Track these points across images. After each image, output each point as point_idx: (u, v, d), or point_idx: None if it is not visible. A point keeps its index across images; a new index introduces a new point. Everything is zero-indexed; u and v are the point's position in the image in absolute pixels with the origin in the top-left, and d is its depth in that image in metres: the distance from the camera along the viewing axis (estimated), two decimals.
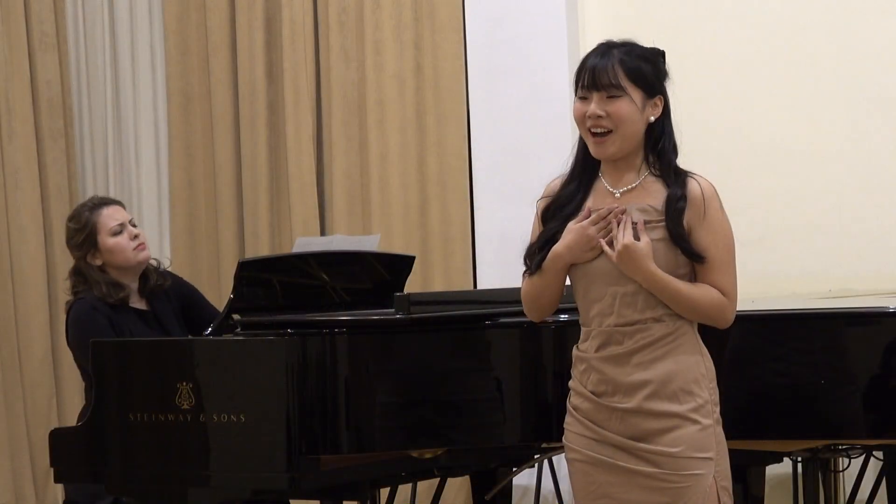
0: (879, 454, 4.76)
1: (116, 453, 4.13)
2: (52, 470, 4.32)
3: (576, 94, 3.23)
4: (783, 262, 5.63)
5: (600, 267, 3.19)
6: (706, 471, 3.14)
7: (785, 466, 4.88)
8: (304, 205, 6.35)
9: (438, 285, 6.08)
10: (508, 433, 3.93)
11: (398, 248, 5.99)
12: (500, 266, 6.03)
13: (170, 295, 4.65)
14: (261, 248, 6.44)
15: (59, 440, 4.26)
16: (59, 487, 6.23)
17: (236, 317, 4.14)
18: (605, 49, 3.22)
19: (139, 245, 4.55)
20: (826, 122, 5.66)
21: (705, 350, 3.22)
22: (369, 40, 6.25)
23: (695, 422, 3.14)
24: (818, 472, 4.64)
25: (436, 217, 6.17)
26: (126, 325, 4.50)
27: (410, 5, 6.20)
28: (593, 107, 3.17)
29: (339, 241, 5.20)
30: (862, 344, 3.71)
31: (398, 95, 6.22)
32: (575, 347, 3.29)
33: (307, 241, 5.16)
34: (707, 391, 3.18)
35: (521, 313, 3.96)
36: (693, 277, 3.20)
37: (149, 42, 6.80)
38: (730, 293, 3.20)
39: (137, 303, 4.60)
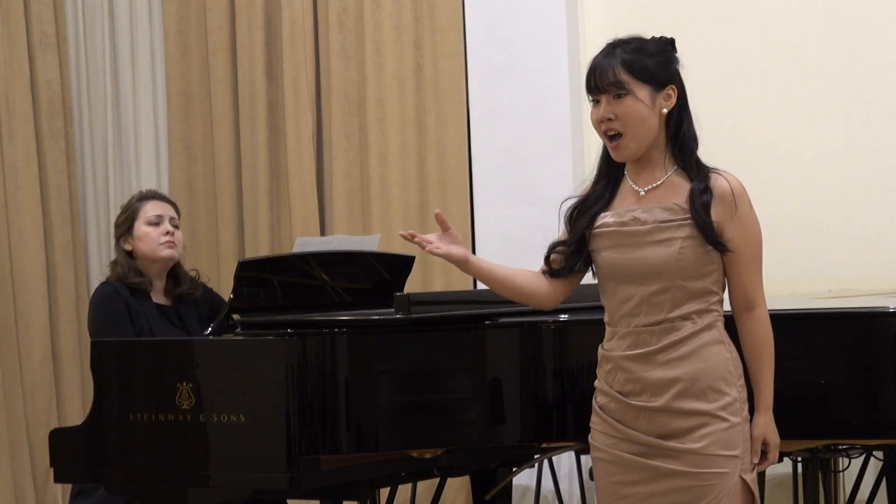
0: (879, 454, 4.77)
1: (116, 453, 4.13)
2: (52, 470, 4.32)
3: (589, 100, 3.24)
4: (783, 262, 5.63)
5: (628, 268, 3.18)
6: (731, 469, 3.13)
7: (785, 466, 4.89)
8: (304, 205, 6.35)
9: (438, 285, 6.08)
10: (508, 433, 3.93)
11: (398, 248, 5.98)
12: None
13: (199, 303, 4.73)
14: (261, 248, 6.44)
15: (59, 440, 4.26)
16: (59, 487, 6.23)
17: (236, 317, 4.14)
18: (609, 49, 3.23)
19: (167, 242, 4.66)
20: (826, 123, 5.66)
21: (733, 348, 3.20)
22: (369, 40, 6.25)
23: (723, 419, 3.13)
24: (818, 472, 4.64)
25: None
26: (144, 315, 4.56)
27: (410, 5, 6.20)
28: (602, 110, 3.19)
29: (339, 241, 5.20)
30: (872, 343, 3.69)
31: (398, 95, 6.22)
32: (600, 346, 3.28)
33: (307, 241, 5.16)
34: (736, 389, 3.16)
35: (521, 313, 3.98)
36: (722, 275, 3.19)
37: (149, 42, 6.80)
38: (756, 293, 3.20)
39: (161, 299, 4.68)
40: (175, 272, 4.72)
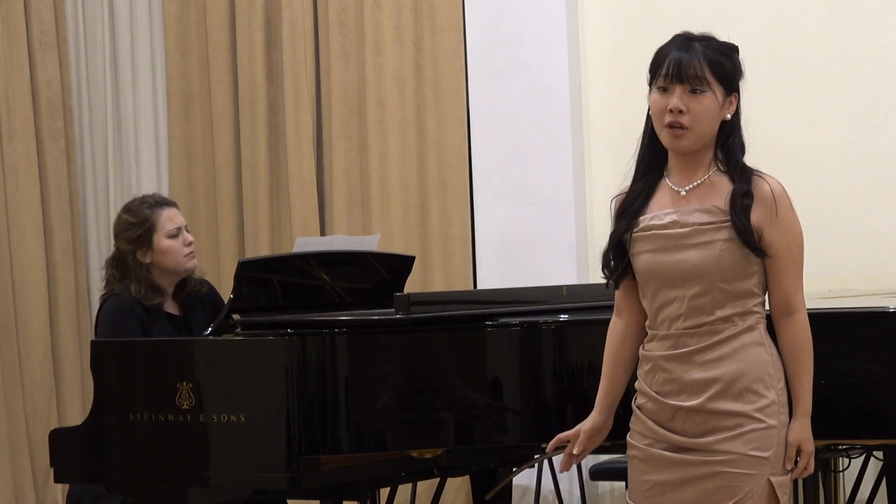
0: (879, 454, 4.76)
1: (116, 453, 4.13)
2: (52, 470, 4.32)
3: (652, 86, 3.18)
4: None
5: (668, 271, 3.16)
6: (760, 471, 3.11)
7: None
8: (304, 205, 6.35)
9: (438, 285, 6.08)
10: (508, 433, 3.93)
11: (398, 248, 5.99)
12: (500, 266, 6.03)
13: (204, 301, 4.67)
14: (261, 248, 6.44)
15: (59, 440, 4.26)
16: (59, 487, 6.23)
17: (236, 317, 4.14)
18: (686, 41, 3.18)
19: (191, 253, 4.59)
20: (826, 123, 5.66)
21: (774, 350, 3.17)
22: (369, 40, 6.25)
23: (759, 421, 3.10)
24: (818, 472, 4.64)
25: (436, 217, 6.17)
26: (156, 329, 4.50)
27: (410, 5, 6.20)
28: (675, 100, 3.12)
29: (339, 241, 5.20)
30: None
31: (398, 95, 6.22)
32: (641, 347, 3.26)
33: (307, 241, 5.17)
34: (775, 392, 3.13)
35: (521, 313, 3.98)
36: (763, 277, 3.16)
37: (149, 42, 6.80)
38: (796, 297, 3.17)
39: (170, 307, 4.61)
40: (184, 279, 4.65)
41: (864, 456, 4.85)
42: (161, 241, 4.54)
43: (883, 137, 5.59)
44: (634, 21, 5.90)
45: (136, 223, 4.56)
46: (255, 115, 6.49)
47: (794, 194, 5.30)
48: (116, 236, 4.61)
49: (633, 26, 5.89)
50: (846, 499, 5.08)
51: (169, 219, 4.57)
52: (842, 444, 4.28)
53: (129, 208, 4.65)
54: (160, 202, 4.63)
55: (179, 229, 4.58)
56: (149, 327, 4.49)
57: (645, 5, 5.91)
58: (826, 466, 4.79)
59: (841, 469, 4.86)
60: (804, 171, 5.64)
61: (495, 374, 3.94)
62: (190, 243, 4.59)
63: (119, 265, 4.58)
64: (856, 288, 5.17)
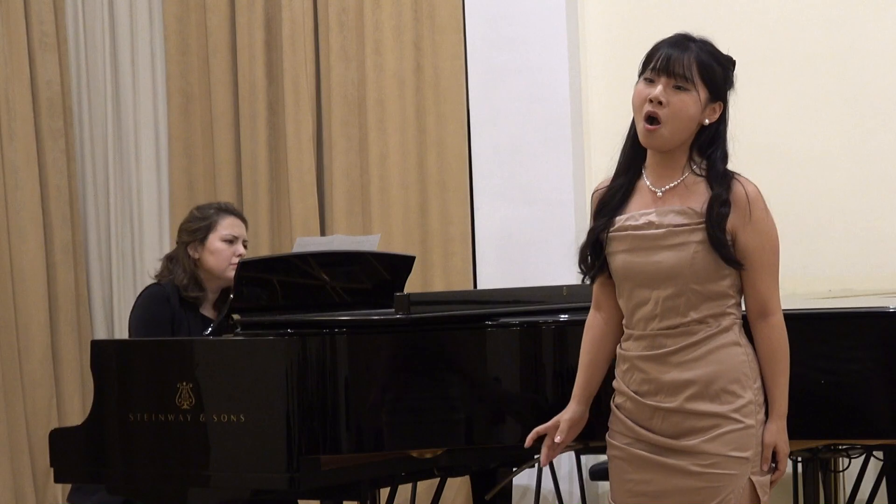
0: (879, 454, 4.77)
1: (116, 453, 4.13)
2: (52, 470, 4.32)
3: (640, 76, 3.19)
4: (783, 262, 5.60)
5: (642, 272, 3.17)
6: (741, 471, 3.12)
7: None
8: (304, 205, 6.35)
9: (438, 285, 6.08)
10: (508, 433, 3.93)
11: (398, 248, 5.99)
12: (500, 266, 6.04)
13: None
14: (261, 248, 6.44)
15: (59, 440, 4.26)
16: (59, 487, 6.23)
17: (236, 317, 4.14)
18: (683, 40, 3.21)
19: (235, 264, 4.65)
20: (826, 123, 5.66)
21: (751, 350, 3.18)
22: (369, 40, 6.25)
23: (736, 421, 3.12)
24: (818, 472, 4.64)
25: (436, 217, 6.17)
26: (188, 327, 4.59)
27: (410, 5, 6.20)
28: (658, 91, 3.14)
29: (339, 241, 5.20)
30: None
31: (398, 95, 6.22)
32: (618, 346, 3.28)
33: (307, 241, 5.17)
34: (751, 392, 3.14)
35: (521, 313, 3.98)
36: (738, 279, 3.18)
37: (149, 42, 6.80)
38: (772, 300, 3.19)
39: (208, 311, 4.69)
40: (228, 287, 4.69)
41: (864, 456, 4.86)
42: (214, 241, 4.67)
43: (883, 137, 5.59)
44: (634, 21, 5.90)
45: (200, 218, 4.72)
46: (255, 115, 6.49)
47: (794, 194, 5.31)
48: (180, 229, 4.78)
49: (633, 26, 5.90)
50: (846, 499, 5.08)
51: (230, 225, 4.71)
52: (842, 444, 4.28)
53: (200, 206, 4.84)
54: (229, 209, 4.79)
55: (235, 238, 4.70)
56: (180, 321, 4.58)
57: (645, 5, 5.92)
58: (826, 466, 4.79)
59: (841, 469, 4.86)
60: (804, 171, 5.64)
61: (495, 374, 3.94)
62: (239, 255, 4.68)
63: (172, 258, 4.72)
64: (856, 288, 5.17)
